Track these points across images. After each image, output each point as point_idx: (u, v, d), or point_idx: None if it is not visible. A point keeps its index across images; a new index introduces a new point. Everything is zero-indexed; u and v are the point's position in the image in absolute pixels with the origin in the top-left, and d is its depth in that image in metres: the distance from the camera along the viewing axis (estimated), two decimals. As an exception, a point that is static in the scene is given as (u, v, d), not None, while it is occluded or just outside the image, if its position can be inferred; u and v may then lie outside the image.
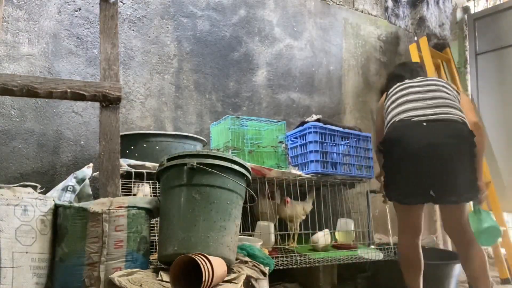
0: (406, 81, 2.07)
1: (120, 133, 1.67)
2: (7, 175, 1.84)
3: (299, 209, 2.21)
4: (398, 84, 2.09)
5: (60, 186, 1.63)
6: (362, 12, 3.32)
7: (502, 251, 3.02)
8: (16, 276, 1.18)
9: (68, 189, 1.61)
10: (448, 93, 1.94)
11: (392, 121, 1.95)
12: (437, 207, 3.53)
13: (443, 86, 1.97)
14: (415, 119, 1.86)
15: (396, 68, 2.40)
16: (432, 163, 1.77)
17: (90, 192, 1.72)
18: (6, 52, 1.90)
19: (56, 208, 1.33)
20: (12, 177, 1.85)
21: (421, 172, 1.80)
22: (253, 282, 1.36)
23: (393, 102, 2.02)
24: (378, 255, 2.21)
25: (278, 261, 1.88)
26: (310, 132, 2.20)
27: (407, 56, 3.47)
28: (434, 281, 2.29)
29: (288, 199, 2.16)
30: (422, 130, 1.82)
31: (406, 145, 1.82)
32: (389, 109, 2.02)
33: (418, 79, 2.05)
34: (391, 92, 2.08)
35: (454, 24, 3.85)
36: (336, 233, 2.36)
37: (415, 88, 1.99)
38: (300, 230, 2.25)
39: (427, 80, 2.02)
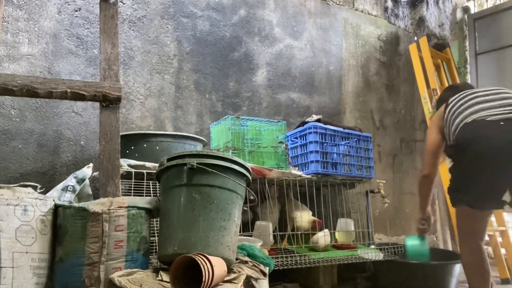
0: (470, 90, 2.00)
1: (120, 133, 1.67)
2: (7, 175, 1.84)
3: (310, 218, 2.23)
4: (461, 92, 2.00)
5: (60, 186, 1.63)
6: (362, 12, 3.32)
7: (502, 251, 3.02)
8: (16, 276, 1.18)
9: (68, 189, 1.61)
10: None
11: (463, 123, 1.84)
12: (436, 207, 3.54)
13: (509, 90, 1.90)
14: (490, 118, 1.76)
15: (446, 91, 2.36)
16: (510, 163, 1.68)
17: (90, 192, 1.72)
18: (6, 52, 1.90)
19: (56, 208, 1.33)
20: (12, 177, 1.85)
21: (498, 174, 1.72)
22: (253, 282, 1.36)
23: (460, 106, 1.92)
24: (378, 255, 2.21)
25: (278, 262, 1.88)
26: (310, 133, 2.20)
27: (407, 56, 3.47)
28: (434, 280, 2.29)
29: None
30: (500, 128, 1.72)
31: (481, 145, 1.72)
32: (455, 114, 1.92)
33: (483, 88, 1.98)
34: (455, 99, 1.99)
35: (454, 24, 3.86)
36: (336, 233, 2.36)
37: (483, 92, 1.92)
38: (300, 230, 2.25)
39: (492, 87, 1.96)
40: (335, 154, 2.27)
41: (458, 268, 2.29)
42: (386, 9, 3.47)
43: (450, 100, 2.03)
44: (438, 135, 2.06)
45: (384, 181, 2.56)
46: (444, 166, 2.96)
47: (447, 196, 2.09)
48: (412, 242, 2.19)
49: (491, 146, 1.71)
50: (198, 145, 2.03)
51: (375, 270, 2.57)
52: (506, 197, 1.75)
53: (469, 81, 3.80)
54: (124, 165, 1.69)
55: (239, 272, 1.33)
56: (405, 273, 2.34)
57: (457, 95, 2.01)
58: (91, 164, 1.76)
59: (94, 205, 1.29)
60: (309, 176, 2.18)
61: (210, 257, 1.13)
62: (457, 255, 2.55)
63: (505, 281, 2.88)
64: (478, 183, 1.78)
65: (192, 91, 2.41)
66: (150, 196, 1.72)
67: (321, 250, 2.15)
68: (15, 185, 1.38)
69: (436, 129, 2.08)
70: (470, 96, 1.94)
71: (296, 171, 2.13)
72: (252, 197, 2.01)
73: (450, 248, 3.15)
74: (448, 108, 2.00)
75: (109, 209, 1.28)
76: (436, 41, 3.63)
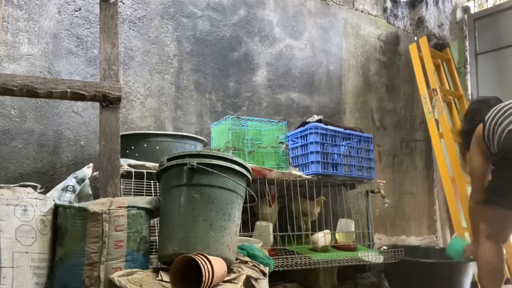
0: (506, 102, 2.05)
1: (120, 133, 1.67)
2: (7, 175, 1.84)
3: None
4: (496, 107, 2.05)
5: (60, 186, 1.63)
6: (362, 12, 3.32)
7: (502, 251, 3.02)
8: (16, 276, 1.18)
9: (68, 189, 1.61)
10: None
11: (507, 130, 1.89)
12: (436, 207, 3.54)
13: None
14: None
15: (474, 104, 2.38)
16: None
17: (90, 192, 1.72)
18: (6, 52, 1.90)
19: (56, 208, 1.33)
20: (12, 177, 1.85)
21: None
22: (253, 282, 1.36)
23: (500, 116, 1.97)
24: (378, 258, 2.21)
25: (278, 263, 1.87)
26: (311, 133, 2.20)
27: (407, 56, 3.47)
28: (447, 280, 2.30)
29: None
30: None
31: None
32: (497, 124, 1.97)
33: None
34: (492, 112, 2.04)
35: (454, 24, 3.85)
36: (336, 234, 2.36)
37: None
38: (300, 231, 2.26)
39: None
40: (335, 155, 2.27)
41: (471, 267, 2.31)
42: (385, 9, 3.47)
43: (486, 118, 2.06)
44: (482, 159, 2.09)
45: (384, 181, 2.56)
46: (444, 166, 2.96)
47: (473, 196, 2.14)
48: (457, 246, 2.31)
49: None
50: (198, 145, 2.03)
51: (385, 269, 2.58)
52: None
53: (469, 81, 3.79)
54: (124, 165, 1.69)
55: (239, 272, 1.33)
56: (413, 272, 2.35)
57: (493, 110, 2.05)
58: (91, 164, 1.76)
59: (94, 205, 1.29)
60: (309, 177, 2.18)
61: (210, 257, 1.13)
62: None
63: (505, 281, 2.88)
64: None
65: (192, 91, 2.41)
66: (150, 196, 1.72)
67: (321, 250, 2.15)
68: (15, 185, 1.38)
69: (478, 153, 2.11)
70: (508, 106, 1.99)
71: (296, 172, 2.13)
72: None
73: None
74: (487, 124, 2.03)
75: (109, 209, 1.28)
76: (436, 41, 3.63)
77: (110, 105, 1.64)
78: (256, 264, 1.46)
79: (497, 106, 2.06)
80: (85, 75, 2.08)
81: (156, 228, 1.65)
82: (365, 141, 2.42)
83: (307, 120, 2.43)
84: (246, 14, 2.68)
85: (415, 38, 3.56)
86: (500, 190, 1.90)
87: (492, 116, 2.03)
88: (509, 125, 1.90)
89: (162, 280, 1.19)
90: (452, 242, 2.40)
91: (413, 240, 3.32)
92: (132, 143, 1.87)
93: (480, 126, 2.10)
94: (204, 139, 2.07)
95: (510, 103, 2.01)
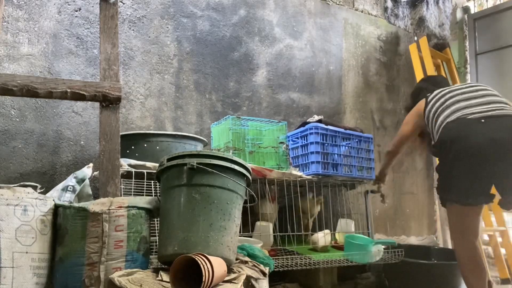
0: (449, 87, 2.08)
1: (120, 133, 1.67)
2: (7, 175, 1.84)
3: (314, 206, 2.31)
4: (439, 89, 2.07)
5: (60, 186, 1.63)
6: (362, 12, 3.32)
7: (502, 251, 3.02)
8: (16, 276, 1.18)
9: (68, 189, 1.61)
10: (495, 92, 1.96)
11: (446, 121, 1.90)
12: (436, 207, 3.54)
13: (487, 86, 1.98)
14: (471, 116, 1.82)
15: (421, 82, 2.46)
16: (494, 159, 1.73)
17: (90, 192, 1.72)
18: (6, 52, 1.90)
19: (56, 208, 1.33)
20: (12, 177, 1.85)
21: (483, 170, 1.76)
22: (253, 282, 1.36)
23: (441, 105, 1.98)
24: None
25: (278, 263, 1.87)
26: (311, 133, 2.20)
27: (407, 56, 3.47)
28: (443, 280, 2.30)
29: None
30: (481, 126, 1.78)
31: (465, 143, 1.78)
32: (437, 112, 1.98)
33: (461, 84, 2.09)
34: (435, 96, 2.05)
35: (454, 24, 3.85)
36: (336, 234, 2.36)
37: (462, 89, 1.98)
38: (299, 231, 2.26)
39: (471, 84, 2.04)
40: (336, 155, 2.27)
41: None
42: (386, 9, 3.47)
43: (429, 98, 2.09)
44: (412, 129, 2.21)
45: (383, 181, 2.56)
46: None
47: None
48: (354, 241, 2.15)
49: (473, 144, 1.77)
50: (199, 145, 2.03)
51: (382, 269, 2.58)
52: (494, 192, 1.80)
53: (469, 81, 3.80)
54: (124, 165, 1.69)
55: (239, 272, 1.33)
56: (413, 272, 2.35)
57: (436, 93, 2.08)
58: (91, 164, 1.76)
59: (94, 205, 1.29)
60: (309, 177, 2.18)
61: (210, 257, 1.13)
62: None
63: (505, 281, 2.88)
64: (465, 180, 1.81)
65: (192, 91, 2.41)
66: (150, 196, 1.72)
67: (321, 250, 2.15)
68: (15, 185, 1.38)
69: (412, 123, 2.22)
70: (449, 94, 2.00)
71: (296, 172, 2.13)
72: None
73: (450, 247, 3.15)
74: (429, 106, 2.07)
75: (109, 209, 1.28)
76: (436, 41, 3.63)
77: (110, 105, 1.64)
78: (256, 264, 1.45)
79: (441, 90, 2.07)
80: (85, 75, 2.08)
81: (156, 228, 1.65)
82: (365, 141, 2.42)
83: (308, 120, 2.43)
84: (246, 14, 2.68)
85: (415, 38, 3.56)
86: (448, 188, 1.89)
87: (434, 100, 2.06)
88: (447, 117, 1.91)
89: (162, 280, 1.19)
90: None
91: (413, 240, 3.32)
92: (132, 143, 1.87)
93: (423, 101, 2.15)
94: (204, 139, 2.07)
95: (453, 90, 2.02)
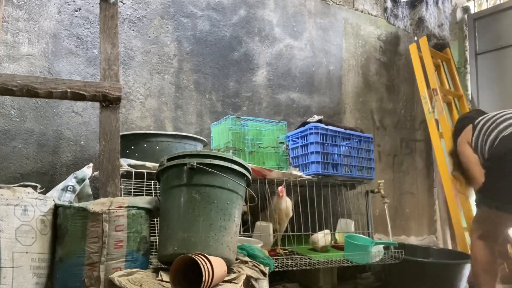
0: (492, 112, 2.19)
1: (120, 133, 1.67)
2: (7, 175, 1.84)
3: (289, 205, 2.11)
4: (484, 115, 2.19)
5: (60, 186, 1.63)
6: (362, 12, 3.32)
7: (502, 251, 3.02)
8: (16, 276, 1.18)
9: (68, 189, 1.61)
10: None
11: (500, 136, 2.00)
12: (436, 207, 3.54)
13: None
14: None
15: (459, 120, 2.54)
16: None
17: (90, 192, 1.72)
18: (6, 52, 1.90)
19: (56, 208, 1.33)
20: (12, 177, 1.85)
21: None
22: (253, 282, 1.36)
23: (491, 124, 2.09)
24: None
25: (278, 263, 1.87)
26: (311, 133, 2.20)
27: (407, 56, 3.47)
28: (444, 281, 2.30)
29: (283, 189, 2.05)
30: None
31: None
32: (488, 131, 2.08)
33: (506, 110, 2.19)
34: (482, 119, 2.16)
35: (454, 24, 3.85)
36: (336, 234, 2.36)
37: (508, 111, 2.11)
38: (300, 231, 2.25)
39: None
40: (336, 155, 2.27)
41: (467, 268, 2.31)
42: (385, 9, 3.47)
43: (477, 121, 2.20)
44: (472, 150, 2.22)
45: (383, 181, 2.55)
46: (444, 166, 2.96)
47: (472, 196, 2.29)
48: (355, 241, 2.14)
49: None
50: (199, 145, 2.03)
51: (382, 268, 2.57)
52: None
53: (469, 81, 3.80)
54: (124, 165, 1.69)
55: (239, 272, 1.33)
56: (415, 272, 2.35)
57: (481, 118, 2.19)
58: (91, 164, 1.76)
59: (94, 205, 1.29)
60: (309, 177, 2.18)
61: (210, 257, 1.13)
62: (463, 255, 2.56)
63: (507, 281, 2.88)
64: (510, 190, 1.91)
65: (192, 91, 2.41)
66: (150, 196, 1.72)
67: (321, 250, 2.15)
68: (15, 185, 1.38)
69: (467, 145, 2.25)
70: (496, 117, 2.11)
71: (296, 172, 2.13)
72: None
73: (450, 247, 3.15)
74: (478, 128, 2.16)
75: (109, 209, 1.28)
76: (436, 41, 3.63)
77: (110, 105, 1.64)
78: (256, 264, 1.45)
79: (485, 115, 2.18)
80: (85, 75, 2.08)
81: (156, 228, 1.65)
82: (365, 141, 2.42)
83: (308, 120, 2.43)
84: (246, 14, 2.68)
85: (415, 38, 3.56)
86: (491, 192, 1.99)
87: (482, 124, 2.16)
88: (501, 132, 2.00)
89: (162, 280, 1.19)
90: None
91: (413, 240, 3.32)
92: (132, 143, 1.87)
93: (470, 127, 2.24)
94: (204, 139, 2.07)
95: (498, 113, 2.14)
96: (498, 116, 2.11)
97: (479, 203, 2.06)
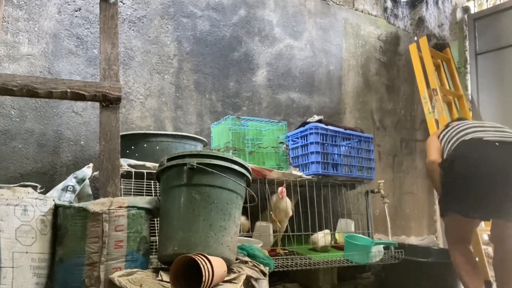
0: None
1: (120, 133, 1.67)
2: (7, 175, 1.84)
3: (289, 205, 2.10)
4: (460, 121, 2.29)
5: (60, 186, 1.63)
6: (362, 12, 3.32)
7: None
8: (16, 276, 1.18)
9: (68, 189, 1.61)
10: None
11: (461, 139, 2.04)
12: (436, 207, 3.54)
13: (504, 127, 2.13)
14: (487, 138, 1.97)
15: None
16: (503, 183, 1.87)
17: (90, 192, 1.72)
18: (6, 52, 1.90)
19: (56, 208, 1.33)
20: (12, 177, 1.85)
21: (488, 189, 1.89)
22: (253, 282, 1.36)
23: (457, 128, 2.15)
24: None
25: (278, 263, 1.87)
26: (311, 133, 2.20)
27: (407, 56, 3.47)
28: (444, 281, 2.30)
29: (284, 190, 2.04)
30: (495, 148, 1.91)
31: (477, 161, 1.91)
32: (453, 134, 2.14)
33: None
34: (454, 123, 2.27)
35: (454, 24, 3.85)
36: (336, 234, 2.36)
37: (479, 123, 2.18)
38: (300, 231, 2.25)
39: (488, 122, 2.26)
40: (336, 155, 2.27)
41: None
42: (385, 9, 3.47)
43: (450, 124, 2.30)
44: (437, 140, 2.30)
45: (383, 181, 2.56)
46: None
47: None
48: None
49: (485, 163, 1.90)
50: (199, 145, 2.03)
51: (382, 268, 2.57)
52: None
53: (469, 81, 3.80)
54: (124, 165, 1.69)
55: (239, 272, 1.33)
56: (415, 272, 2.36)
57: (456, 121, 2.31)
58: (91, 164, 1.76)
59: (94, 205, 1.29)
60: (309, 177, 2.18)
61: (210, 257, 1.13)
62: None
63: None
64: (471, 195, 1.95)
65: (192, 91, 2.41)
66: (150, 196, 1.72)
67: (321, 250, 2.15)
68: (15, 185, 1.38)
69: (435, 136, 2.34)
70: (468, 122, 2.20)
71: (296, 172, 2.13)
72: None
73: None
74: (447, 129, 2.24)
75: (109, 209, 1.28)
76: (436, 41, 3.63)
77: (110, 105, 1.64)
78: (256, 264, 1.46)
79: (462, 121, 2.28)
80: (85, 75, 2.08)
81: (156, 228, 1.65)
82: (365, 141, 2.42)
83: (308, 120, 2.43)
84: (246, 14, 2.68)
85: (415, 38, 3.56)
86: (450, 198, 2.02)
87: (453, 125, 2.24)
88: (463, 136, 2.06)
89: (162, 280, 1.19)
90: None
91: (413, 240, 3.32)
92: (132, 143, 1.87)
93: (443, 127, 2.34)
94: (204, 139, 2.07)
95: (474, 122, 2.23)
96: (466, 123, 2.19)
97: (445, 210, 2.11)
